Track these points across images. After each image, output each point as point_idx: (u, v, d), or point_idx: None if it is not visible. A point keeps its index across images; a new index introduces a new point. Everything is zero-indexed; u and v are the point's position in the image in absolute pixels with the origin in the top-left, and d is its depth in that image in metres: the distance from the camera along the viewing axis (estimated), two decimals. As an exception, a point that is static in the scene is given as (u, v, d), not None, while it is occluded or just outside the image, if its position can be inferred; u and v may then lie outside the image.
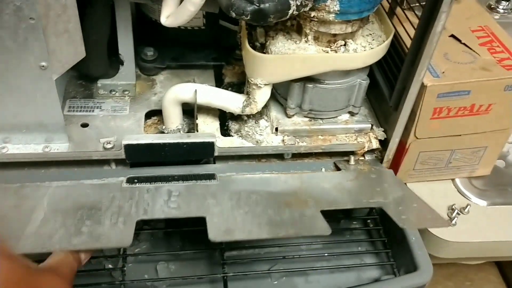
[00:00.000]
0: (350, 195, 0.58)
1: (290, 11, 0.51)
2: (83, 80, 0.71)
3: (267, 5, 0.50)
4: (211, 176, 0.60)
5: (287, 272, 0.62)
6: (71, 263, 0.47)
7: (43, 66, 0.53)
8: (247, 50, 0.56)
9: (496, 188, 0.73)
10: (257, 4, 0.50)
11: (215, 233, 0.50)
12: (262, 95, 0.60)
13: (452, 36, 0.67)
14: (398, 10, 0.66)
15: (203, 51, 0.75)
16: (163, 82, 0.73)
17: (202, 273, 0.62)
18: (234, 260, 0.60)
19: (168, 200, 0.55)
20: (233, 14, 0.51)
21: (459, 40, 0.66)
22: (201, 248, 0.63)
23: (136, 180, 0.58)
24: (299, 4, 0.51)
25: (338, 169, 0.65)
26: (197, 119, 0.66)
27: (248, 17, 0.50)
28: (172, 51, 0.74)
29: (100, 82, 0.71)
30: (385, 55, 0.63)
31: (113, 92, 0.70)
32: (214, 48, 0.75)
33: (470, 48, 0.64)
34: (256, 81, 0.58)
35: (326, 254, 0.63)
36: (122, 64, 0.69)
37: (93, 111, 0.67)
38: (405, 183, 0.71)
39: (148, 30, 0.73)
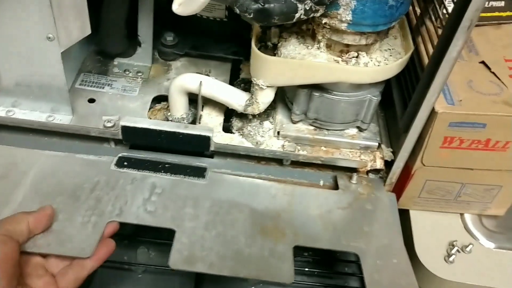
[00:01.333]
0: (333, 232, 0.55)
1: (297, 15, 0.49)
2: (101, 56, 0.72)
3: (272, 5, 0.48)
4: (201, 172, 0.59)
5: (264, 282, 0.60)
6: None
7: (49, 37, 0.54)
8: (252, 49, 0.55)
9: (508, 231, 0.68)
10: (262, 4, 0.48)
11: (176, 260, 0.49)
12: (264, 97, 0.58)
13: (483, 63, 0.62)
14: (424, 28, 0.62)
15: (224, 43, 0.74)
16: (179, 69, 0.73)
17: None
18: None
19: (147, 200, 0.54)
20: (237, 11, 0.49)
21: (489, 68, 0.62)
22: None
23: (125, 163, 0.58)
24: (307, 8, 0.49)
25: (336, 185, 0.62)
26: (202, 111, 0.65)
27: (251, 16, 0.49)
28: (193, 39, 0.73)
29: (117, 60, 0.71)
30: (404, 73, 0.59)
31: (127, 72, 0.70)
32: (235, 42, 0.74)
33: (499, 79, 0.60)
34: (259, 81, 0.56)
35: (306, 269, 0.61)
36: (140, 45, 0.70)
37: (103, 88, 0.67)
38: (408, 210, 0.68)
39: (171, 16, 0.72)
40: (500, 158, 0.59)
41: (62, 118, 0.62)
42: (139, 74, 0.70)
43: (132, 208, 0.53)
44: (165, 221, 0.53)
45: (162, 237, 0.64)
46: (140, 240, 0.63)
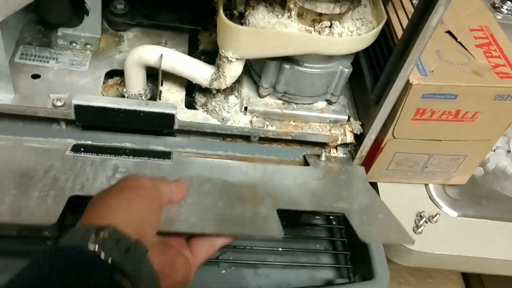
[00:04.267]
0: (313, 197, 0.54)
1: (272, -20, 0.45)
2: (42, 26, 0.64)
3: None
4: (166, 155, 0.55)
5: (236, 263, 0.58)
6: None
7: (-15, 4, 0.47)
8: (221, 17, 0.50)
9: (469, 199, 0.70)
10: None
11: None
12: (232, 70, 0.54)
13: (449, 32, 0.62)
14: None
15: (180, 12, 0.68)
16: (131, 40, 0.67)
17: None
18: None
19: (111, 177, 0.49)
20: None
21: (455, 38, 0.61)
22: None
23: (82, 149, 0.53)
24: (283, -27, 0.45)
25: (307, 163, 0.60)
26: (161, 86, 0.60)
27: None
28: (145, 7, 0.67)
29: (61, 31, 0.64)
30: (374, 43, 0.57)
31: (74, 44, 0.63)
32: (192, 11, 0.69)
33: (465, 48, 0.59)
34: (227, 54, 0.52)
35: (280, 249, 0.59)
36: (87, 14, 0.63)
37: (48, 62, 0.60)
38: (376, 182, 0.67)
39: (121, -19, 0.66)
40: (468, 128, 0.59)
41: (2, 98, 0.55)
42: (88, 46, 0.63)
43: (96, 184, 0.49)
44: None
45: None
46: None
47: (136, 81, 0.59)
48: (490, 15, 0.65)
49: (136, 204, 0.40)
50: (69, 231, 0.36)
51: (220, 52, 0.53)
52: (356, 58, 0.61)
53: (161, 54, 0.56)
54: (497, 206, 0.70)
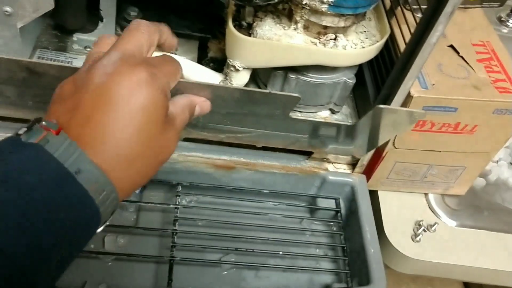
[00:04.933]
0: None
1: (280, -5, 0.47)
2: (58, 31, 0.66)
3: (254, -16, 0.46)
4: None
5: (238, 265, 0.60)
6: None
7: (7, 11, 0.49)
8: (229, 28, 0.52)
9: (469, 209, 0.71)
10: (244, -18, 0.46)
11: None
12: (239, 79, 0.57)
13: (451, 46, 0.63)
14: (399, 10, 0.62)
15: (190, 19, 0.71)
16: (142, 46, 0.69)
17: (150, 251, 0.59)
18: (184, 245, 0.58)
19: None
20: (217, -11, 0.47)
21: (457, 52, 0.63)
22: (153, 226, 0.61)
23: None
24: (290, -12, 0.47)
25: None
26: (170, 91, 0.62)
27: (232, -6, 0.46)
28: (157, 14, 0.69)
29: (76, 36, 0.66)
30: (377, 56, 0.59)
31: (88, 49, 0.65)
32: (203, 19, 0.71)
33: (467, 63, 0.61)
34: (234, 63, 0.54)
35: (280, 253, 0.61)
36: (102, 20, 0.65)
37: (63, 66, 0.63)
38: (376, 190, 0.69)
39: (135, -11, 0.68)
40: (467, 140, 0.61)
41: (19, 99, 0.57)
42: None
43: None
44: None
45: (129, 222, 0.62)
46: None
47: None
48: (492, 30, 0.66)
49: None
50: None
51: (228, 61, 0.55)
52: (360, 69, 0.63)
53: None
54: (497, 217, 0.71)
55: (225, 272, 0.60)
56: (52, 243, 0.30)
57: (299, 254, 0.62)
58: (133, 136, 0.34)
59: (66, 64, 0.49)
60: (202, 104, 0.46)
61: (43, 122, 0.32)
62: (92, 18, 0.66)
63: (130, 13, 0.67)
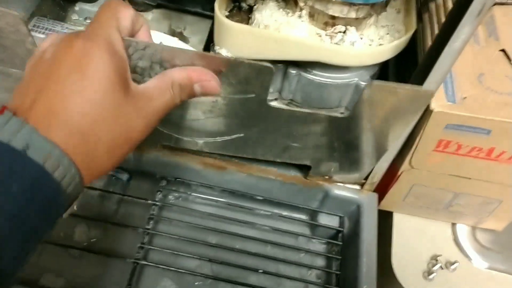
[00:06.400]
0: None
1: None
2: (62, -1, 0.62)
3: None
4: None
5: (212, 278, 0.53)
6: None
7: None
8: (215, 11, 0.45)
9: (504, 250, 0.59)
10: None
11: None
12: (228, 69, 0.49)
13: (503, 51, 0.51)
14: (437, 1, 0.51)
15: (204, -4, 0.64)
16: (149, 23, 0.62)
17: (122, 248, 0.54)
18: (153, 247, 0.52)
19: None
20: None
21: (510, 59, 0.51)
22: (133, 220, 0.56)
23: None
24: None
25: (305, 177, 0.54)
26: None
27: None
28: (169, -12, 0.63)
29: (79, 6, 0.62)
30: (404, 56, 0.49)
31: (88, 20, 0.61)
32: (218, -3, 0.63)
33: (518, 74, 0.49)
34: (221, 51, 0.47)
35: (260, 271, 0.53)
36: (104, -10, 0.60)
37: (57, 37, 0.58)
38: (392, 212, 0.59)
39: (145, -42, 0.62)
40: (503, 170, 0.49)
41: (3, 70, 0.54)
42: (102, 24, 0.61)
43: None
44: None
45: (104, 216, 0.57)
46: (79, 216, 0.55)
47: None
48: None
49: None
50: None
51: (215, 48, 0.48)
52: (385, 70, 0.53)
53: (160, 43, 0.51)
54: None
55: (197, 283, 0.53)
56: (8, 228, 0.27)
57: (287, 276, 0.54)
58: (84, 106, 0.30)
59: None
60: (204, 84, 0.39)
61: None
62: (96, -13, 0.61)
63: (137, -15, 0.62)
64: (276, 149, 0.51)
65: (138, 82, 0.35)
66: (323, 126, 0.49)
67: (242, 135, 0.49)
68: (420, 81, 0.43)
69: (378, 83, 0.43)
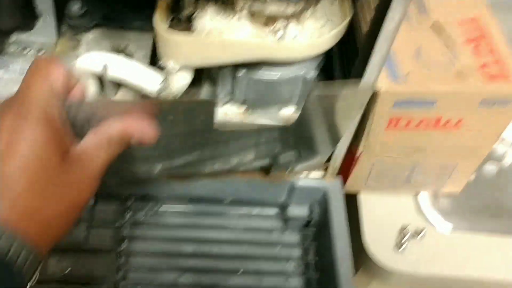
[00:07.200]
0: None
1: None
2: (-5, 31, 0.61)
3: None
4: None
5: (194, 285, 0.54)
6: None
7: None
8: (154, 24, 0.45)
9: (464, 211, 0.62)
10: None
11: None
12: (178, 81, 0.49)
13: (434, 26, 0.54)
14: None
15: (144, 11, 0.63)
16: (90, 44, 0.62)
17: (98, 273, 0.54)
18: (130, 268, 0.52)
19: None
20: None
21: (441, 33, 0.53)
22: (105, 244, 0.55)
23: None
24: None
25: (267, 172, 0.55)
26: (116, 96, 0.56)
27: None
28: (106, 7, 0.62)
29: (15, 36, 0.60)
30: (344, 44, 0.51)
31: (27, 50, 0.59)
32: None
33: (451, 46, 0.52)
34: (169, 64, 0.47)
35: (241, 270, 0.54)
36: (38, 17, 0.59)
37: (-4, 72, 0.57)
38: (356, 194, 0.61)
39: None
40: (453, 136, 0.52)
41: None
42: (42, 51, 0.60)
43: None
44: None
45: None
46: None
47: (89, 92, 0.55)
48: (484, 2, 0.56)
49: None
50: None
51: (162, 62, 0.48)
52: (329, 61, 0.55)
53: (105, 65, 0.51)
54: (500, 218, 0.63)
55: (180, 291, 0.54)
56: None
57: (267, 271, 0.55)
58: (24, 183, 0.30)
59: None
60: (141, 136, 0.37)
61: None
62: (30, 15, 0.59)
63: (72, 7, 0.61)
64: (234, 159, 0.52)
65: (79, 136, 0.35)
66: (275, 132, 0.49)
67: (197, 156, 0.49)
68: (362, 70, 0.45)
69: (317, 92, 0.42)
